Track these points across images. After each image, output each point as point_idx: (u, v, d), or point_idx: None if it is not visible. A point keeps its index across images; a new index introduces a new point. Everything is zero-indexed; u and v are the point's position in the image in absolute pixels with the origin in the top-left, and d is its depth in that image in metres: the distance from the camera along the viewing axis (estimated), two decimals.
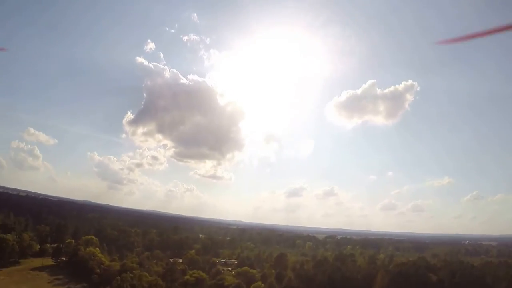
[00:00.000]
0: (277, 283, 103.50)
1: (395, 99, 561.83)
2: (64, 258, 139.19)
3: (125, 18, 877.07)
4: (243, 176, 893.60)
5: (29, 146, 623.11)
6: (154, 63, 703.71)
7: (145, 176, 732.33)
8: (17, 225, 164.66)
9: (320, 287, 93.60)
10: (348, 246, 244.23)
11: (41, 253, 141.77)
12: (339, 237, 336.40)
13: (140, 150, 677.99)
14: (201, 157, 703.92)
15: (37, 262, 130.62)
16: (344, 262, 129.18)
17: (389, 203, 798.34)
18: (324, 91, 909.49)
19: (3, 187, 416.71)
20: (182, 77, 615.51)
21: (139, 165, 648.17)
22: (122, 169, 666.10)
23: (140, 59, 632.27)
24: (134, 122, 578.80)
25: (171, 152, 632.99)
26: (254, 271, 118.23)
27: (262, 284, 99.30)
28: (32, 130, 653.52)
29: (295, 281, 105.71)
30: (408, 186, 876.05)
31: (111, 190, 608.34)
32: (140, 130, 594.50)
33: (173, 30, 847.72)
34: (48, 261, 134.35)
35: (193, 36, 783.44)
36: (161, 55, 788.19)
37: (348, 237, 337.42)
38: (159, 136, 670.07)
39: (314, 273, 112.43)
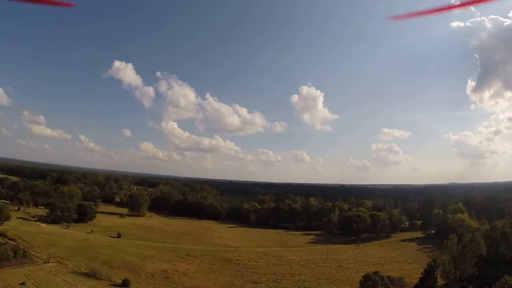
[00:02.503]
0: None
1: None
2: (433, 231, 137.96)
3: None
4: None
5: (387, 144, 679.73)
6: (471, 20, 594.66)
7: (506, 143, 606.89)
8: (387, 205, 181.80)
9: None
10: None
11: (410, 228, 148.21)
12: None
13: (494, 115, 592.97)
14: None
15: (407, 235, 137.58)
16: None
17: None
18: None
19: (372, 185, 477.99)
20: (503, 19, 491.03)
21: (497, 132, 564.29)
22: (480, 142, 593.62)
23: (455, 24, 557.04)
24: (478, 88, 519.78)
25: None
26: None
27: None
28: (386, 130, 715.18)
29: None
30: None
31: (474, 166, 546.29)
32: (486, 94, 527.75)
33: None
34: (417, 234, 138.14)
35: None
36: (471, 8, 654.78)
37: None
38: (509, 94, 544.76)
39: None
